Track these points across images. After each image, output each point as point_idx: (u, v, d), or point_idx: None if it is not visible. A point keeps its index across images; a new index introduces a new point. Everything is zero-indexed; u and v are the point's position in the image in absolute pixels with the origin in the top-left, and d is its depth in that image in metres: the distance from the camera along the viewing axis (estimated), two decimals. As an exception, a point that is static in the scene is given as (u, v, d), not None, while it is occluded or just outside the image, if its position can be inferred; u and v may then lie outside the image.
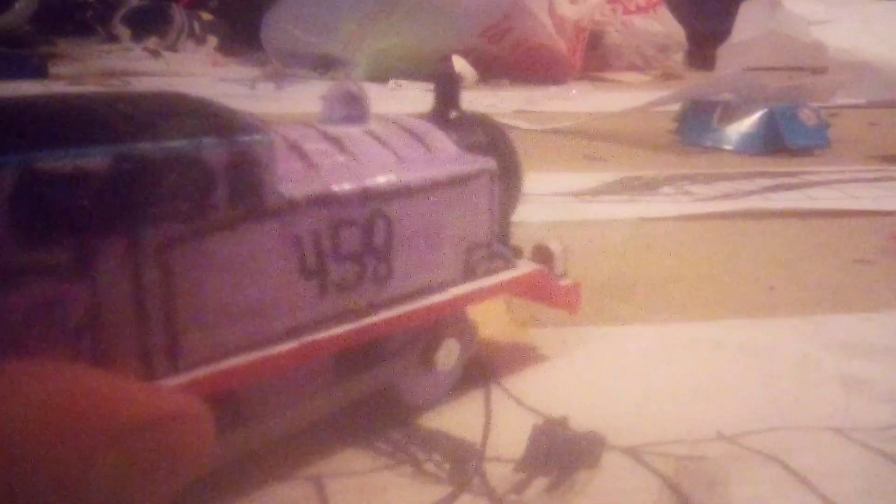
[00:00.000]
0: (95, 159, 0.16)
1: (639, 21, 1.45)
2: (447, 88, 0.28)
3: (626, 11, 1.45)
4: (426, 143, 0.25)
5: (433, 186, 0.24)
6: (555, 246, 0.28)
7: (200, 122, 0.19)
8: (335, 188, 0.21)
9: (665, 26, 1.47)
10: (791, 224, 0.44)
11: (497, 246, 0.26)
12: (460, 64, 1.10)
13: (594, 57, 1.36)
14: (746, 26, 1.09)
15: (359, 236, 0.22)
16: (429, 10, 1.10)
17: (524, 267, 0.27)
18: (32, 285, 0.16)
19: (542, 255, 0.28)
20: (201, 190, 0.18)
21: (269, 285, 0.20)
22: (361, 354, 0.24)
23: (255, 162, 0.19)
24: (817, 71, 0.91)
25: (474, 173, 0.25)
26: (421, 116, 0.27)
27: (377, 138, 0.25)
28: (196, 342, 0.19)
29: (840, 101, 0.88)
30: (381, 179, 0.22)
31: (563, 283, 0.29)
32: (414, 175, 0.23)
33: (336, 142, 0.23)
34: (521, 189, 0.28)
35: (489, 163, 0.25)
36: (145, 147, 0.17)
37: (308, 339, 0.21)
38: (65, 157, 0.16)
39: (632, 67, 1.41)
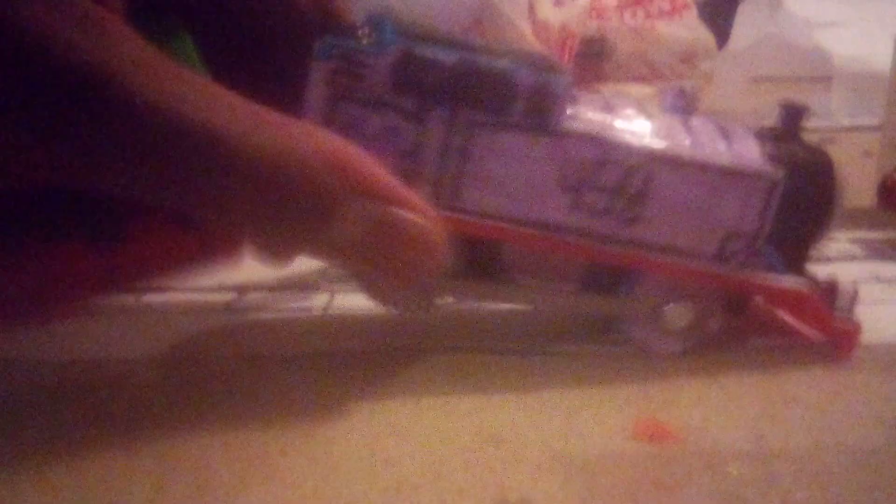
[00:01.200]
0: (448, 56, 0.26)
1: (662, 26, 1.34)
2: (790, 117, 0.31)
3: (648, 16, 1.34)
4: (730, 141, 0.29)
5: (702, 166, 0.28)
6: (844, 284, 0.31)
7: (524, 59, 0.27)
8: (609, 137, 0.28)
9: (692, 31, 1.36)
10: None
11: (763, 248, 0.29)
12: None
13: (592, 66, 1.27)
14: (745, 30, 1.00)
15: (616, 178, 0.28)
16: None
17: (789, 281, 0.30)
18: (389, 114, 0.26)
19: (827, 287, 0.31)
20: (506, 99, 0.27)
21: (532, 183, 0.28)
22: (604, 281, 0.30)
23: (549, 94, 0.27)
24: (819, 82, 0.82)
25: (752, 173, 0.29)
26: (761, 128, 0.31)
27: (685, 122, 0.30)
28: (472, 195, 0.28)
29: (845, 121, 0.79)
30: (654, 144, 0.28)
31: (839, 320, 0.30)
32: (686, 151, 0.28)
33: (645, 115, 0.29)
34: (826, 224, 0.30)
35: (774, 173, 0.29)
36: (481, 60, 0.26)
37: (553, 235, 0.28)
38: (429, 50, 0.26)
39: (639, 78, 1.31)
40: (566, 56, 1.21)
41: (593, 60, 1.28)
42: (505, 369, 0.30)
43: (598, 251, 0.29)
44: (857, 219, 0.51)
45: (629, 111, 0.29)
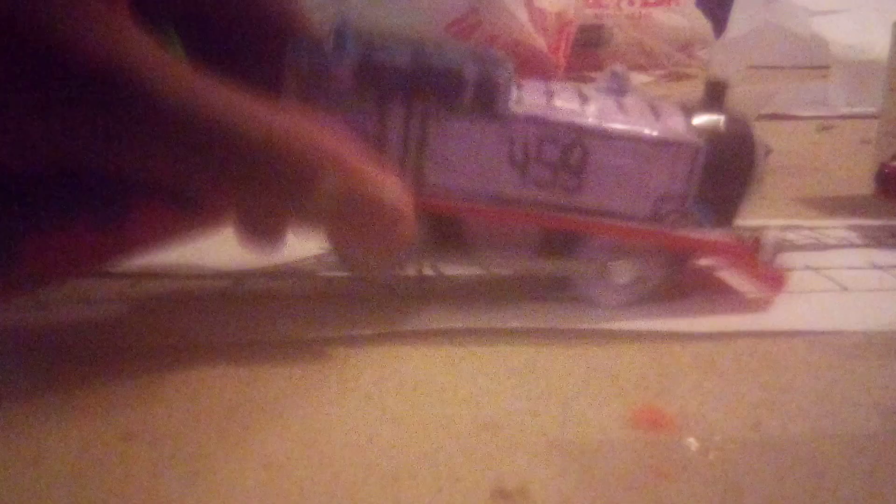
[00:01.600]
0: (401, 58, 0.29)
1: (658, 14, 1.33)
2: (714, 92, 0.35)
3: (645, 4, 1.33)
4: (658, 116, 0.33)
5: (632, 138, 0.32)
6: (768, 237, 0.34)
7: (470, 55, 0.30)
8: (548, 117, 0.31)
9: (689, 19, 1.35)
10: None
11: (692, 208, 0.33)
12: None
13: (590, 55, 1.26)
14: (742, 18, 0.99)
15: (557, 153, 0.31)
16: (385, 4, 1.00)
17: (717, 235, 0.33)
18: (354, 111, 0.29)
19: (751, 240, 0.34)
20: (456, 91, 0.30)
21: (484, 161, 0.31)
22: (556, 245, 0.33)
23: (493, 83, 0.30)
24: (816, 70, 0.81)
25: (677, 142, 0.32)
26: (685, 103, 0.34)
27: (618, 102, 0.33)
28: (433, 177, 0.31)
29: (843, 109, 0.78)
30: (588, 121, 0.32)
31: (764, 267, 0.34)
32: (617, 126, 0.32)
33: (582, 97, 0.33)
34: (750, 185, 0.34)
35: (696, 141, 0.32)
36: (431, 58, 0.30)
37: (506, 207, 0.32)
38: (384, 54, 0.29)
39: (635, 66, 1.30)
40: (563, 44, 1.20)
41: (591, 48, 1.27)
42: (502, 356, 0.30)
43: (548, 219, 0.32)
44: (855, 206, 0.51)
45: (568, 94, 0.32)
